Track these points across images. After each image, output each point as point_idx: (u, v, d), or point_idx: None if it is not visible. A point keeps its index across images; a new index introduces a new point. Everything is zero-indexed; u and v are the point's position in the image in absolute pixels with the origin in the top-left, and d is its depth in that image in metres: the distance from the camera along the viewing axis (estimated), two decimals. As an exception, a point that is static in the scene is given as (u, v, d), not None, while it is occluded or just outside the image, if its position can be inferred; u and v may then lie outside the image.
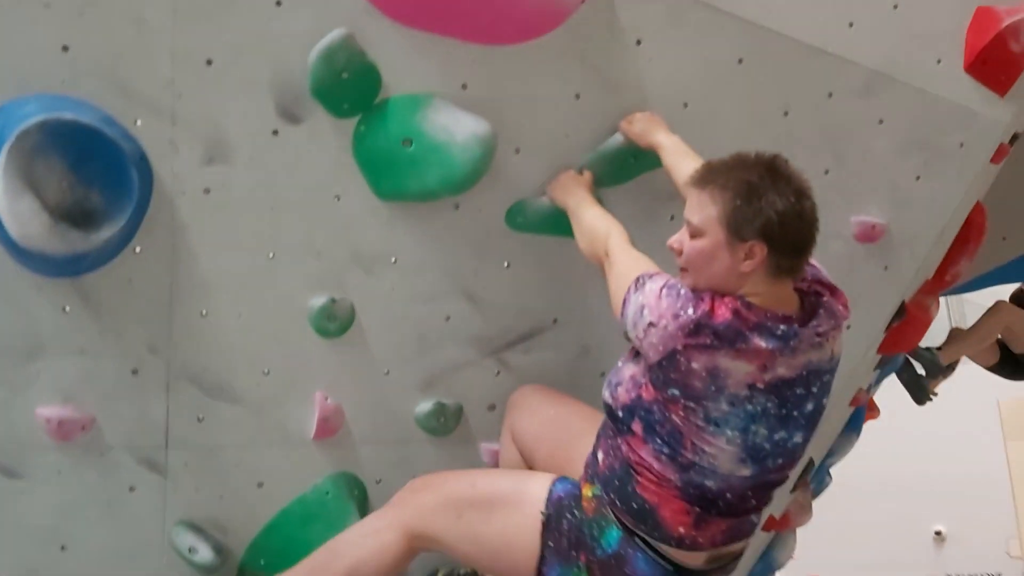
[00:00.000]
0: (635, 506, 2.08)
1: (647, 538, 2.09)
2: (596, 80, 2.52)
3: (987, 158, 2.94)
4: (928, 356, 4.48)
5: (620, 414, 2.10)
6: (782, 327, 1.98)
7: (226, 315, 2.36)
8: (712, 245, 2.02)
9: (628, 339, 2.11)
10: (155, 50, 2.19)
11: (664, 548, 2.09)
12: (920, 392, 4.61)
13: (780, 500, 3.25)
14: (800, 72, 2.68)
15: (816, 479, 3.87)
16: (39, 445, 2.28)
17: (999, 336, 4.62)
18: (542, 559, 2.15)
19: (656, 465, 2.05)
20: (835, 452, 3.89)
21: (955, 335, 4.72)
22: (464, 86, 2.40)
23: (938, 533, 8.23)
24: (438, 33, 2.34)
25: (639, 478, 2.08)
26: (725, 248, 2.00)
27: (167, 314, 2.32)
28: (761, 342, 1.96)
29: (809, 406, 2.08)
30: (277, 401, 2.44)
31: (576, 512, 2.15)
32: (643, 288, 2.06)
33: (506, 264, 2.56)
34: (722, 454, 2.02)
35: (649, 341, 2.00)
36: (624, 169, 2.58)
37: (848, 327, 2.96)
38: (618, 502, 2.11)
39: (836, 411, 3.37)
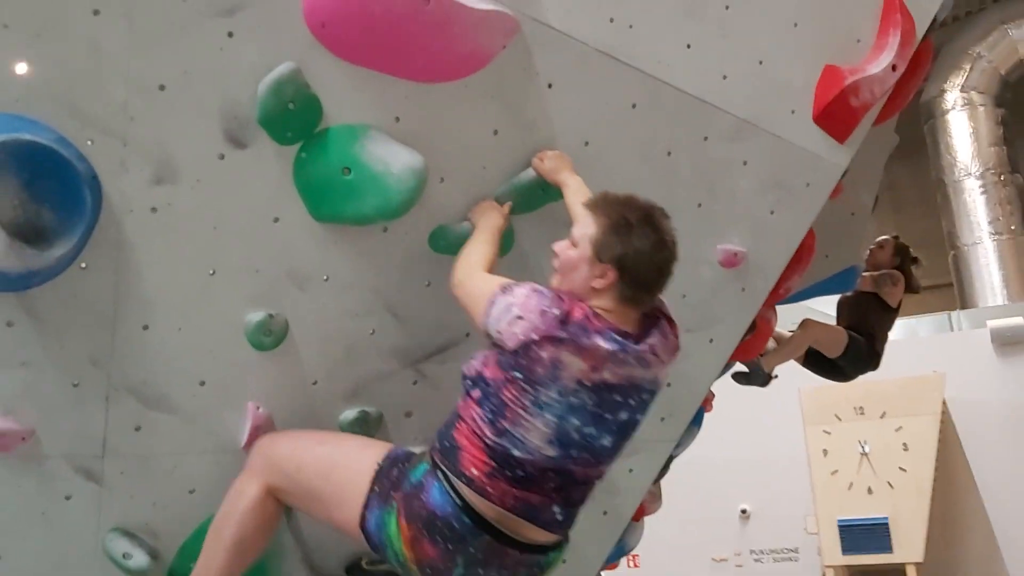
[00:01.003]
0: (447, 444, 2.33)
1: (446, 471, 2.29)
2: (512, 118, 2.77)
3: (827, 195, 3.42)
4: (754, 363, 4.99)
5: (468, 381, 2.37)
6: (619, 337, 2.30)
7: (167, 329, 2.45)
8: (579, 257, 2.39)
9: (489, 336, 2.34)
10: (110, 74, 2.27)
11: (456, 483, 2.28)
12: (759, 378, 5.07)
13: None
14: (682, 118, 3.04)
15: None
16: (-22, 456, 2.30)
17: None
18: (367, 504, 2.36)
19: (479, 422, 2.29)
20: (681, 444, 4.31)
21: (769, 348, 5.25)
22: (397, 119, 2.59)
23: (744, 512, 8.93)
24: (376, 70, 2.53)
25: (459, 424, 2.33)
26: (587, 263, 2.37)
27: (110, 328, 2.39)
28: (601, 343, 2.27)
29: (623, 415, 2.35)
30: (211, 411, 2.55)
31: (405, 463, 2.39)
32: (511, 291, 2.33)
33: (427, 283, 2.77)
34: (535, 431, 2.26)
35: (512, 331, 2.26)
36: (534, 199, 2.84)
37: (712, 341, 3.38)
38: (436, 443, 2.36)
39: (688, 410, 3.74)
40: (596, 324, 2.28)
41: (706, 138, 3.11)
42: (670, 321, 2.48)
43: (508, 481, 2.27)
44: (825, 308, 6.03)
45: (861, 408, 8.64)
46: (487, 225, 2.70)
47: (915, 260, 5.30)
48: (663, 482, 4.68)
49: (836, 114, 3.30)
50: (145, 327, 2.43)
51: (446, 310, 2.81)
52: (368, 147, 2.52)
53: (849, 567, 8.25)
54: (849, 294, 5.28)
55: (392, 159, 2.53)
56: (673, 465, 4.60)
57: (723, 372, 4.27)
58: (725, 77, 3.08)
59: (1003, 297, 10.52)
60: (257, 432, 2.59)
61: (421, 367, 2.83)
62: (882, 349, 5.23)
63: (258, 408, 2.60)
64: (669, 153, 3.06)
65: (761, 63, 3.15)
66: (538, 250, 2.90)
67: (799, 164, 3.29)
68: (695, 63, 3.02)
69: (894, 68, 3.38)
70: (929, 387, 8.39)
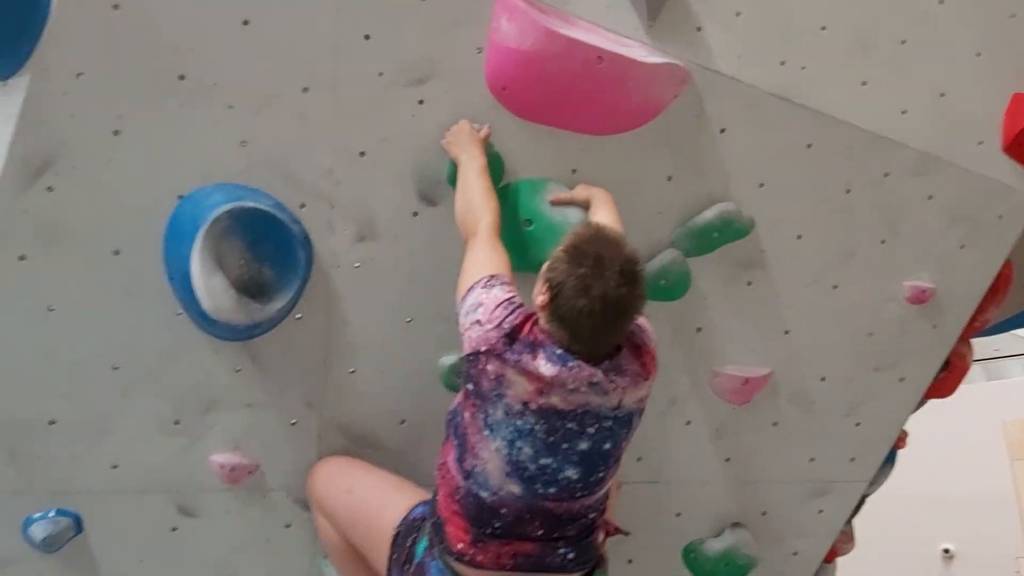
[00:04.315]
0: (435, 520, 2.26)
1: (440, 550, 2.24)
2: (685, 164, 2.86)
3: (1022, 227, 3.29)
4: None
5: (447, 418, 2.31)
6: (560, 351, 2.13)
7: (371, 373, 2.69)
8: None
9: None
10: (318, 144, 2.54)
11: (450, 561, 2.22)
12: None
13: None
14: (860, 155, 3.02)
15: (854, 507, 4.19)
16: (212, 488, 2.61)
17: None
18: (389, 569, 2.37)
19: (452, 470, 2.21)
20: (874, 483, 4.21)
21: None
22: (574, 171, 2.74)
23: (946, 551, 8.37)
24: (553, 126, 2.70)
25: (440, 490, 2.26)
26: (541, 275, 2.22)
27: (322, 373, 2.65)
28: (542, 363, 2.11)
29: (583, 445, 2.17)
30: (411, 448, 2.75)
31: (416, 533, 2.34)
32: (491, 289, 2.22)
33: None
34: (491, 462, 2.15)
35: (469, 335, 2.19)
36: (708, 242, 2.91)
37: (902, 379, 3.30)
38: (430, 515, 2.30)
39: (880, 450, 3.63)
40: (540, 337, 2.15)
41: (887, 174, 3.08)
42: (635, 349, 2.25)
43: (493, 538, 2.18)
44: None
45: (1075, 443, 8.00)
46: (475, 155, 2.50)
47: None
48: (855, 520, 4.56)
49: (1028, 143, 3.19)
50: (352, 371, 2.68)
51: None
52: (548, 200, 2.69)
53: (1066, 614, 7.62)
54: None
55: (570, 210, 2.68)
56: (869, 501, 4.46)
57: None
58: (904, 112, 3.06)
59: None
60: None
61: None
62: None
63: (452, 446, 2.78)
64: (848, 191, 3.06)
65: (943, 95, 3.10)
66: (715, 292, 2.97)
67: (989, 196, 3.19)
68: (872, 99, 3.01)
69: (1092, 92, 3.24)
70: None
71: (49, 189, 2.31)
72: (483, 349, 2.15)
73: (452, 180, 2.62)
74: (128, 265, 2.45)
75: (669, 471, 3.08)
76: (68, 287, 2.41)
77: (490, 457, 2.16)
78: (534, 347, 2.14)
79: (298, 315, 2.59)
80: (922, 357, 3.31)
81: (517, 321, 2.17)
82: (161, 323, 2.50)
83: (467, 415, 2.19)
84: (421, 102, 2.59)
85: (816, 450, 3.25)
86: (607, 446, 2.21)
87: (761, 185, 2.96)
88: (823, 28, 2.94)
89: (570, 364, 2.13)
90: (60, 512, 2.51)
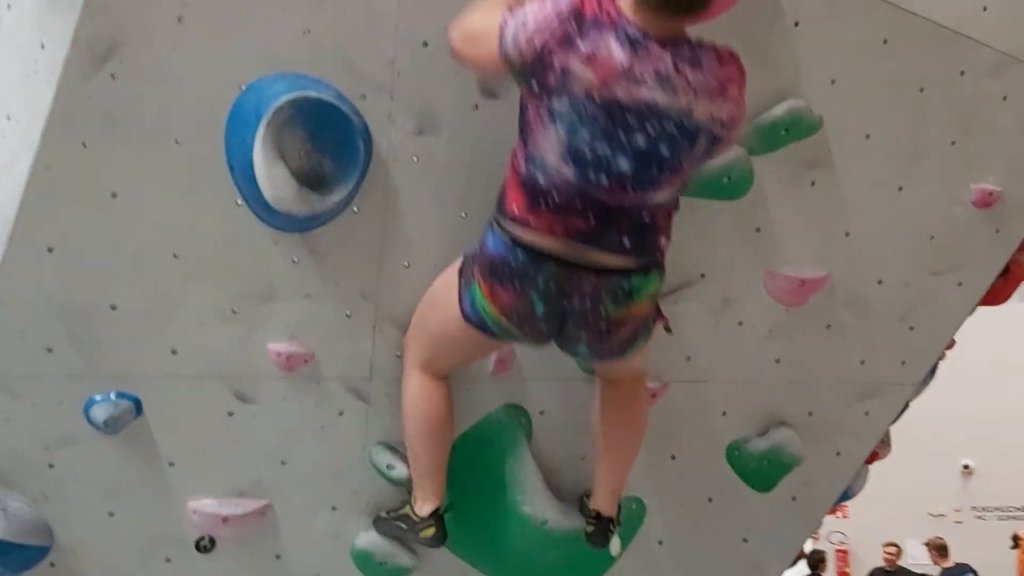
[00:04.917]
0: (499, 192, 2.37)
1: (497, 218, 2.35)
2: (757, 58, 2.73)
3: (1096, 131, 3.17)
4: None
5: (519, 108, 2.33)
6: (637, 33, 2.10)
7: (425, 267, 2.67)
8: None
9: (511, 66, 2.22)
10: (380, 33, 2.46)
11: (504, 223, 2.33)
12: None
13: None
14: (937, 52, 2.91)
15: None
16: (268, 375, 2.64)
17: None
18: (460, 297, 2.46)
19: (518, 155, 2.30)
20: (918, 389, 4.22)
21: None
22: (640, 64, 2.65)
23: (965, 467, 8.50)
24: (621, 16, 2.59)
25: (507, 171, 2.34)
26: None
27: (377, 265, 2.64)
28: (613, 45, 2.10)
29: (640, 140, 2.18)
30: (463, 343, 2.76)
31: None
32: (520, 9, 2.17)
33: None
34: (549, 147, 2.21)
35: (531, 44, 2.13)
36: (775, 139, 2.83)
37: (960, 284, 3.25)
38: (496, 194, 2.39)
39: (932, 354, 3.59)
40: (611, 16, 2.10)
41: (963, 73, 2.97)
42: (721, 58, 2.22)
43: (546, 210, 2.26)
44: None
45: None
46: None
47: None
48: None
49: (1112, 44, 3.04)
50: (407, 265, 2.67)
51: (681, 252, 2.88)
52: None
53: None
54: None
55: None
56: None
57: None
58: (985, 8, 2.91)
59: None
60: (502, 363, 2.82)
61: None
62: None
63: (505, 340, 2.79)
64: (922, 89, 2.95)
65: (1028, -9, 2.95)
66: (777, 192, 2.91)
67: (1067, 99, 3.07)
68: (953, -5, 2.88)
69: None
70: None
71: (113, 76, 2.25)
72: (550, 44, 2.11)
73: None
74: (190, 154, 2.41)
75: (718, 371, 3.09)
76: (131, 175, 2.37)
77: (550, 145, 2.22)
78: (605, 27, 2.10)
79: (355, 208, 2.56)
80: (982, 262, 3.27)
81: (577, 2, 2.11)
82: (221, 213, 2.47)
83: (530, 109, 2.24)
84: (486, -11, 2.48)
85: (867, 353, 3.25)
86: (664, 151, 2.22)
87: (833, 82, 2.86)
88: (908, -83, 2.78)
89: (640, 49, 2.10)
90: (121, 395, 2.54)
